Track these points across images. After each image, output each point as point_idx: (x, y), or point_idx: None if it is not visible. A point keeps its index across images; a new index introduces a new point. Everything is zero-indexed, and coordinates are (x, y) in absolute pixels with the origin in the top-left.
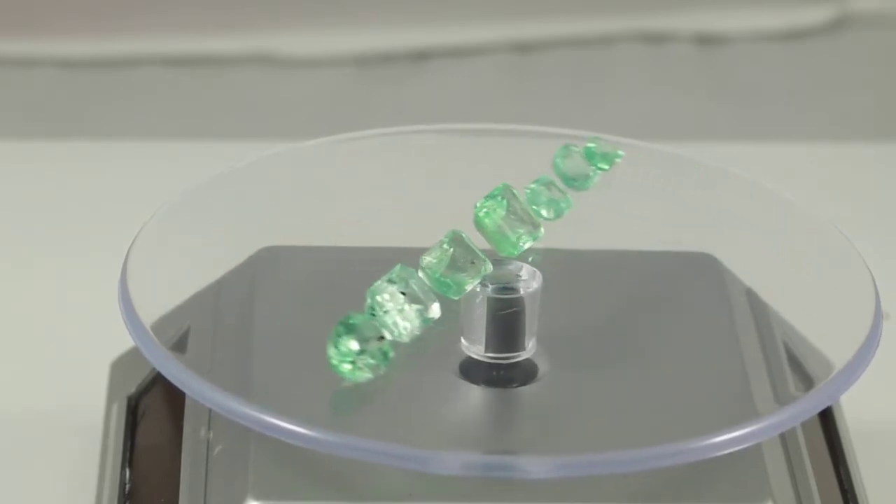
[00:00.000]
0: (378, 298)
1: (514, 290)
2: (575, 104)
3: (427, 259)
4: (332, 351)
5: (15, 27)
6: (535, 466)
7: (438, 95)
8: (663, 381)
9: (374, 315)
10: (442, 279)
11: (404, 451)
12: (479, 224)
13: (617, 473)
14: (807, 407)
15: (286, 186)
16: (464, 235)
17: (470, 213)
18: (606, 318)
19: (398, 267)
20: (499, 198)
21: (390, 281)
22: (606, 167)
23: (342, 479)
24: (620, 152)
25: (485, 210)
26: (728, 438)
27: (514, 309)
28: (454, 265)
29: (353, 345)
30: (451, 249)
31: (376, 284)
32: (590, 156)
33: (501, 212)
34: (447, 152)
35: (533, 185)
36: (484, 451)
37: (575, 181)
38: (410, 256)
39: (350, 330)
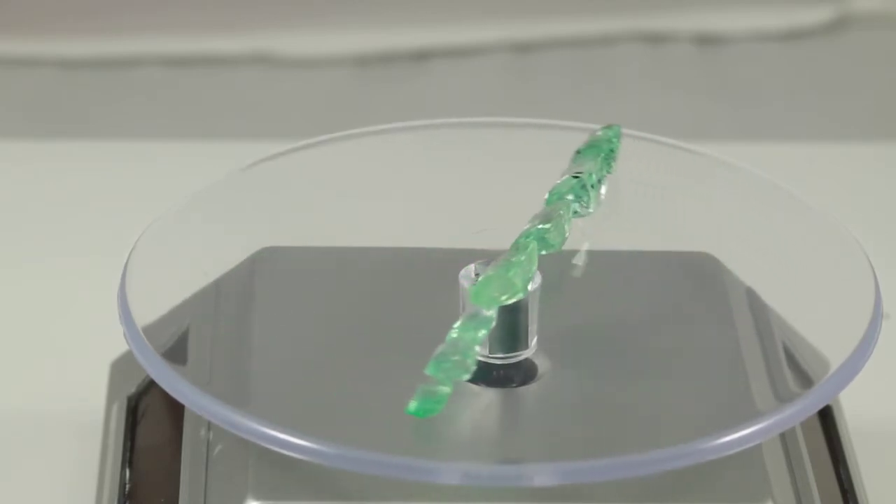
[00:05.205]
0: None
1: None
2: (575, 104)
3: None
4: None
5: (15, 27)
6: (539, 475)
7: (438, 95)
8: (663, 380)
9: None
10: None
11: (409, 462)
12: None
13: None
14: (807, 405)
15: (286, 186)
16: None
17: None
18: (606, 318)
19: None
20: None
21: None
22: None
23: (342, 480)
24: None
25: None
26: (728, 440)
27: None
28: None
29: None
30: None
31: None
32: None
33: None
34: (447, 150)
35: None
36: (485, 455)
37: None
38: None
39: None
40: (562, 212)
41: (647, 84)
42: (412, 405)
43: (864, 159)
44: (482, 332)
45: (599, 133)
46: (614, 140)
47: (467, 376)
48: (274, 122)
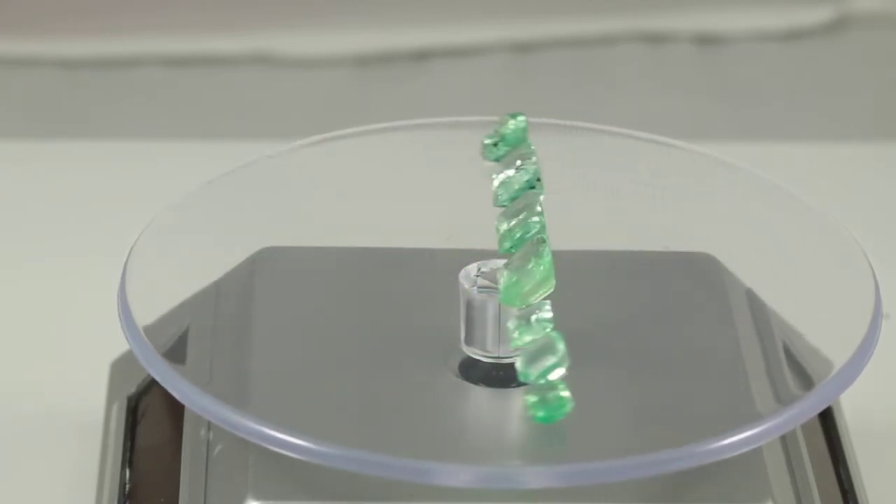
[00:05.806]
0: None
1: None
2: (575, 104)
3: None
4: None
5: (15, 27)
6: (539, 477)
7: (438, 95)
8: (663, 381)
9: None
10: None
11: (409, 463)
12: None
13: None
14: (807, 407)
15: (286, 186)
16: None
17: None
18: (606, 318)
19: None
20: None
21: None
22: None
23: (342, 480)
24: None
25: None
26: (730, 442)
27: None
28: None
29: None
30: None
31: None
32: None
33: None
34: (447, 150)
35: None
36: (485, 457)
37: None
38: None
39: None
40: (538, 206)
41: (647, 84)
42: (539, 414)
43: (864, 159)
44: (551, 327)
45: (511, 123)
46: (526, 129)
47: (564, 370)
48: (274, 122)
